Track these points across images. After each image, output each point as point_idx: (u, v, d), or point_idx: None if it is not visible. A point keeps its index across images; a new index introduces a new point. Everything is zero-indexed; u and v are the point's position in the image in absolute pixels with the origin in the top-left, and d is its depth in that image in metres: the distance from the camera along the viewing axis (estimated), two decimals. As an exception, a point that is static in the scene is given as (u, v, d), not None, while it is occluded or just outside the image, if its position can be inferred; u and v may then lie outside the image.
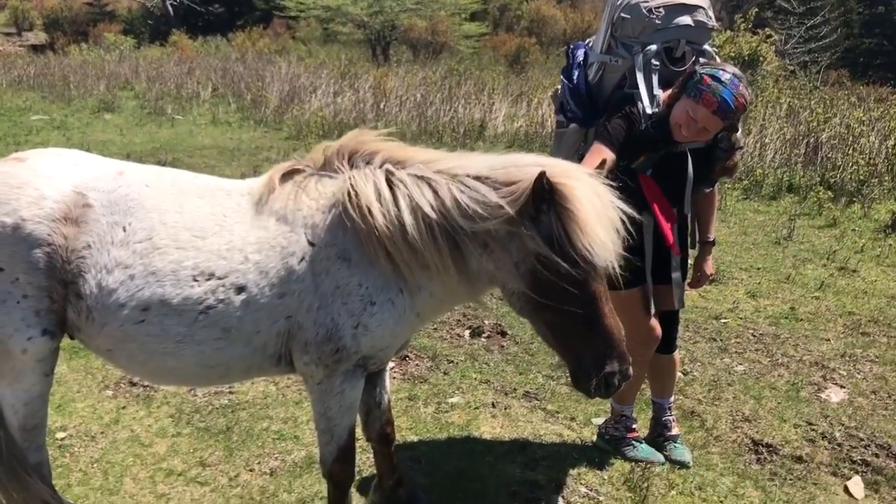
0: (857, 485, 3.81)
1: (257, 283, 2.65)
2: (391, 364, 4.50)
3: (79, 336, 2.74)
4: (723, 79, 3.24)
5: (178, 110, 16.31)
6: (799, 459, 4.02)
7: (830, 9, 33.51)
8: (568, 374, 2.75)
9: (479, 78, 19.93)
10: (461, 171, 2.69)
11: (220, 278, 2.63)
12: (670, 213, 3.56)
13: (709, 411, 4.46)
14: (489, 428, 4.22)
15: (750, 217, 9.09)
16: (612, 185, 2.66)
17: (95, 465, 3.79)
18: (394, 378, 4.71)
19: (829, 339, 5.57)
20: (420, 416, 4.32)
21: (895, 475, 3.89)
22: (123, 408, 4.33)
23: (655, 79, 3.43)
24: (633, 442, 3.95)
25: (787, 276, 6.92)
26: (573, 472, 3.79)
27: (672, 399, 4.08)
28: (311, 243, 2.69)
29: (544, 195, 2.49)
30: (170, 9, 40.59)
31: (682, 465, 3.89)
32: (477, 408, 4.42)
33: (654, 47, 3.43)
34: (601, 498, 3.59)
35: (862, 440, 4.19)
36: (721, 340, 5.50)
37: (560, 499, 3.59)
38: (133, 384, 4.56)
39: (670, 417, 4.04)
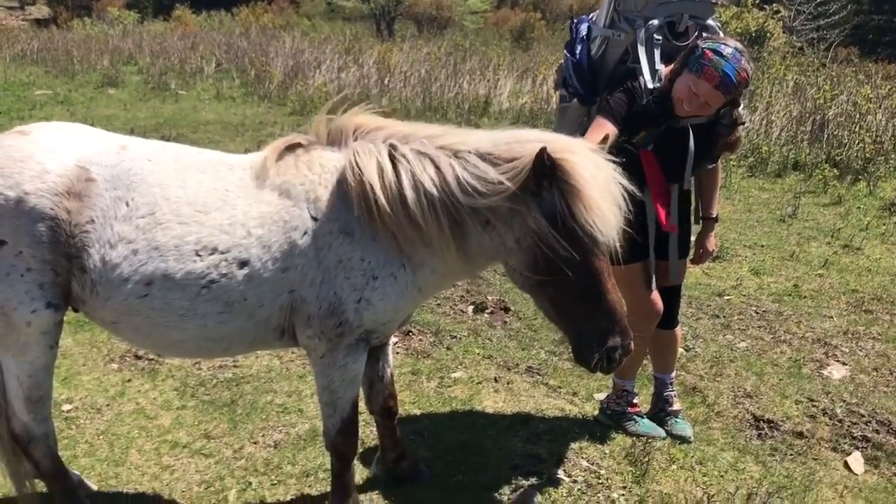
0: (857, 460, 3.84)
1: (260, 258, 2.66)
2: (394, 339, 4.54)
3: (83, 309, 2.76)
4: (725, 53, 3.22)
5: (181, 85, 16.25)
6: (800, 435, 4.04)
7: (840, -15, 33.13)
8: (570, 349, 2.76)
9: (484, 54, 19.81)
10: (463, 146, 2.68)
11: (222, 253, 2.64)
12: (665, 192, 3.55)
13: (710, 387, 4.48)
14: (491, 402, 4.25)
15: (755, 194, 9.06)
16: (614, 161, 2.67)
17: (101, 437, 3.83)
18: (397, 353, 4.74)
19: (831, 317, 5.57)
20: (423, 391, 4.35)
21: (895, 451, 3.92)
22: (129, 381, 4.36)
23: (657, 53, 3.41)
24: (635, 417, 3.97)
25: (791, 254, 6.92)
26: (575, 446, 3.82)
27: (674, 375, 4.10)
28: (313, 218, 2.70)
29: (545, 171, 2.49)
30: (173, -17, 40.28)
31: (684, 440, 3.91)
32: (479, 383, 4.45)
33: (656, 22, 3.41)
34: (602, 472, 3.62)
35: (863, 416, 4.21)
36: (724, 317, 5.51)
37: (561, 472, 3.62)
38: (138, 357, 4.59)
39: (672, 393, 4.06)
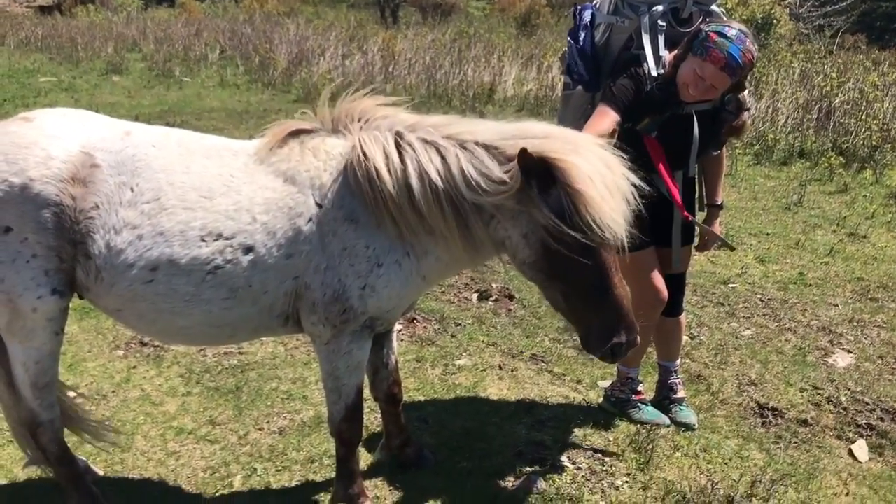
0: (861, 448, 3.84)
1: (265, 244, 2.66)
2: (399, 326, 4.54)
3: (88, 296, 2.76)
4: (729, 34, 3.19)
5: (186, 72, 16.23)
6: (804, 423, 4.04)
7: (847, -29, 32.89)
8: (576, 338, 2.79)
9: (489, 41, 19.72)
10: (470, 136, 2.68)
11: (227, 239, 2.64)
12: (671, 178, 3.55)
13: (715, 375, 4.48)
14: (496, 390, 4.25)
15: (760, 182, 9.03)
16: (622, 154, 2.65)
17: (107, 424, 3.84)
18: (402, 340, 4.74)
19: (837, 305, 5.56)
20: (427, 378, 4.36)
21: (900, 439, 3.92)
22: (134, 367, 4.38)
23: (661, 40, 3.40)
24: (639, 404, 3.98)
25: (796, 242, 6.90)
26: (578, 433, 3.82)
27: (678, 362, 4.09)
28: (318, 204, 2.70)
29: (535, 172, 2.49)
30: (177, -30, 40.15)
31: (688, 427, 3.91)
32: (484, 370, 4.45)
33: (660, 8, 3.39)
34: (606, 459, 3.63)
35: (867, 404, 4.21)
36: (729, 305, 5.50)
37: (565, 459, 3.63)
38: (143, 344, 4.61)
39: (676, 380, 4.06)
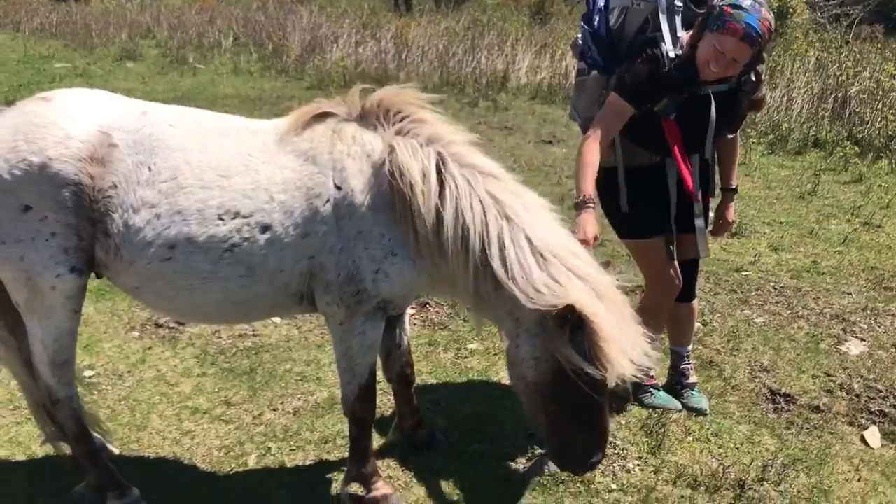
0: (873, 435, 3.84)
1: (282, 223, 2.68)
2: (411, 310, 4.57)
3: (107, 274, 2.79)
4: (744, 5, 3.17)
5: (199, 59, 16.23)
6: (816, 409, 4.04)
7: (865, -40, 32.52)
8: (550, 450, 2.98)
9: (503, 29, 19.64)
10: (515, 215, 2.71)
11: (245, 217, 2.66)
12: (687, 160, 3.53)
13: (727, 361, 4.48)
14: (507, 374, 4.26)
15: (774, 171, 8.98)
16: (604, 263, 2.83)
17: (123, 403, 3.89)
18: (414, 325, 4.76)
19: (850, 293, 5.54)
20: (440, 362, 4.38)
21: (912, 426, 3.92)
22: (149, 348, 4.42)
23: (678, 20, 3.38)
24: (651, 389, 3.98)
25: (810, 231, 6.87)
26: (590, 417, 3.83)
27: (690, 348, 4.10)
28: (337, 186, 2.71)
29: (569, 324, 2.58)
30: (191, -43, 40.12)
31: (699, 412, 3.92)
32: (495, 354, 4.47)
33: None
34: (618, 442, 3.64)
35: (880, 391, 4.21)
36: (741, 292, 5.49)
37: (577, 443, 3.64)
38: (159, 326, 4.65)
39: (688, 366, 4.07)
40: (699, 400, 3.98)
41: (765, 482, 3.39)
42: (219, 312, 2.90)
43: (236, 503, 3.21)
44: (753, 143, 9.66)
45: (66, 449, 3.24)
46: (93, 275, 2.85)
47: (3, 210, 2.60)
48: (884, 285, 5.72)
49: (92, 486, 3.10)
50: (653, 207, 3.64)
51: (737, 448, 3.68)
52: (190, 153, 2.69)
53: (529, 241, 2.68)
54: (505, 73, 14.22)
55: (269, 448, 3.56)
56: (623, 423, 3.81)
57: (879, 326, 5.04)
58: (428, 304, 5.07)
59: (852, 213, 7.36)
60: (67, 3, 25.03)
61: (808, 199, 7.85)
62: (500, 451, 3.57)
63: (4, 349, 3.09)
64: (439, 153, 2.75)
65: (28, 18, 21.30)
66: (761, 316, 5.13)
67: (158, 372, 4.18)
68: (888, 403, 4.10)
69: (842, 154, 9.10)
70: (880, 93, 11.04)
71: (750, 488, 3.35)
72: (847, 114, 10.67)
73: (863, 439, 3.82)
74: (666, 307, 3.79)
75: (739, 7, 3.17)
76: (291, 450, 3.55)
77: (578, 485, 3.35)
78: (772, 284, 5.65)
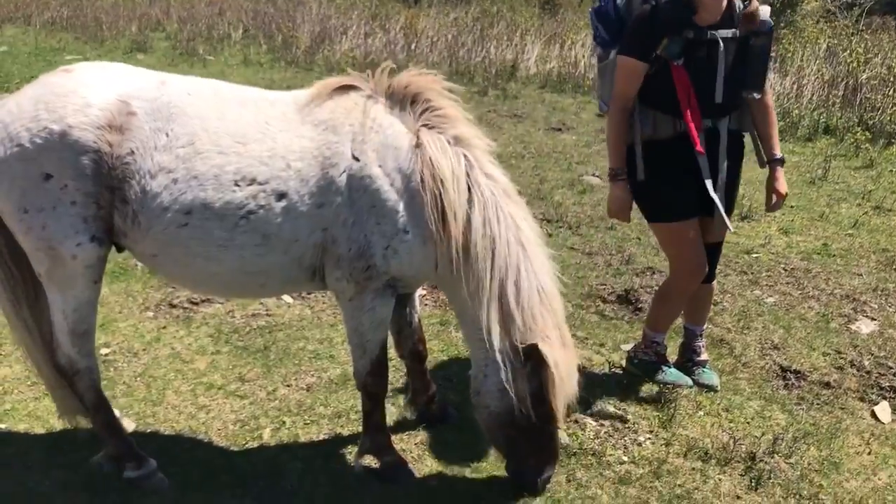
0: (884, 410, 3.86)
1: (298, 191, 2.71)
2: (422, 291, 4.59)
3: (125, 242, 2.83)
4: None
5: (209, 51, 16.27)
6: (827, 385, 4.06)
7: (876, -51, 32.24)
8: (509, 468, 3.15)
9: (512, 19, 19.61)
10: (530, 252, 2.85)
11: (261, 184, 2.69)
12: (696, 111, 3.44)
13: (738, 339, 4.50)
14: (519, 351, 4.29)
15: (785, 157, 8.93)
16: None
17: (139, 379, 3.93)
18: (425, 305, 4.79)
19: (861, 274, 5.54)
20: (452, 340, 4.41)
21: (923, 401, 3.92)
22: (164, 328, 4.47)
23: None
24: (662, 366, 4.00)
25: (820, 214, 6.86)
26: (601, 392, 3.86)
27: (704, 327, 4.11)
28: (355, 158, 2.73)
29: (530, 359, 2.82)
30: (199, -49, 40.12)
31: (710, 388, 3.94)
32: (507, 333, 4.49)
33: None
34: (629, 417, 3.67)
35: (891, 368, 4.22)
36: (752, 274, 5.50)
37: (588, 417, 3.67)
38: (173, 306, 4.69)
39: (700, 344, 4.08)
40: (710, 377, 4.00)
41: (775, 455, 3.41)
42: (234, 282, 2.93)
43: (252, 475, 3.25)
44: (764, 129, 9.61)
45: (83, 423, 3.29)
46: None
47: (26, 179, 2.64)
48: (894, 267, 5.72)
49: (110, 457, 3.15)
50: (680, 190, 3.57)
51: (747, 422, 3.70)
52: (208, 120, 2.72)
53: (536, 274, 2.83)
54: (514, 63, 14.21)
55: (284, 422, 3.60)
56: (634, 398, 3.83)
57: (890, 306, 5.04)
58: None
59: (863, 198, 7.34)
60: (77, -4, 25.08)
61: (818, 184, 7.84)
62: (511, 425, 3.60)
63: (24, 329, 3.13)
64: (465, 156, 2.80)
65: (39, 12, 21.37)
66: (772, 296, 5.14)
67: (173, 350, 4.22)
68: (899, 380, 4.11)
69: (852, 140, 9.07)
70: (892, 79, 10.98)
71: (761, 460, 3.37)
72: (858, 100, 10.62)
73: (873, 414, 3.84)
74: (689, 293, 3.78)
75: None
76: (305, 424, 3.60)
77: (590, 457, 3.38)
78: (782, 266, 5.66)
